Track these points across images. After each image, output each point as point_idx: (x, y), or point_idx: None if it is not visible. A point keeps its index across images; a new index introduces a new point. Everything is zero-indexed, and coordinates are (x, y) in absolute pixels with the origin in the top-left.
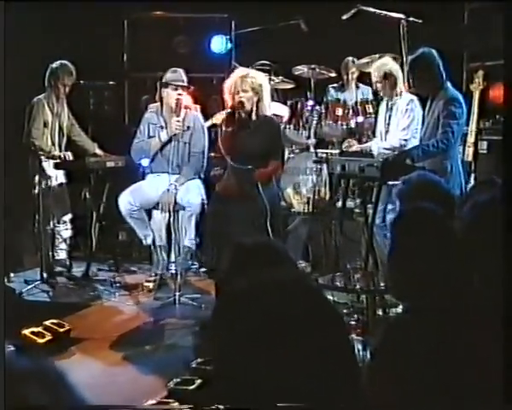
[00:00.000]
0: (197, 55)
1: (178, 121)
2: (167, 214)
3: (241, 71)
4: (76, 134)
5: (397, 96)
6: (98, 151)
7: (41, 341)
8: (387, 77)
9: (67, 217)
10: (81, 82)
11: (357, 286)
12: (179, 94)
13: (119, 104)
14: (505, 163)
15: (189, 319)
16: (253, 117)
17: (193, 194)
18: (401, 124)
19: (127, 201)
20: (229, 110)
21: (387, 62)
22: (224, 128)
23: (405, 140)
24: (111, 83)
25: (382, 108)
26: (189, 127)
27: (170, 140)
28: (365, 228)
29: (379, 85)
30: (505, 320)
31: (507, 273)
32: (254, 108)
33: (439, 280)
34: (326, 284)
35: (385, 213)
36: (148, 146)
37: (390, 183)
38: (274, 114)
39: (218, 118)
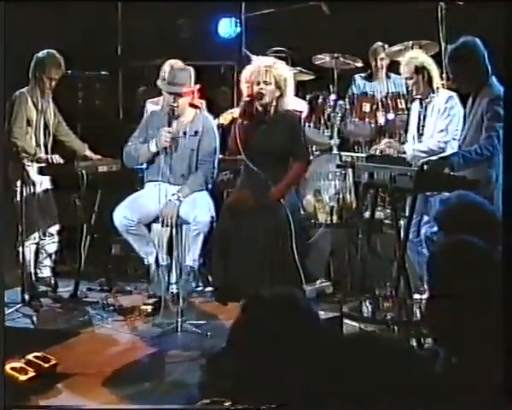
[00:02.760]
0: (202, 39)
1: (169, 133)
2: (169, 229)
3: (265, 60)
4: (63, 134)
5: (433, 93)
6: (89, 153)
7: (23, 378)
8: (419, 72)
9: (54, 228)
10: (68, 72)
11: (388, 317)
12: (173, 102)
13: (112, 98)
14: None
15: (194, 349)
16: (272, 112)
17: (201, 210)
18: (439, 125)
19: (123, 215)
20: (246, 100)
21: (417, 55)
22: (239, 121)
23: (445, 142)
24: (103, 73)
25: (415, 106)
26: (196, 132)
27: (174, 146)
28: (397, 243)
29: (410, 82)
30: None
31: None
32: (274, 103)
33: (484, 328)
34: (351, 314)
35: (419, 226)
36: (136, 153)
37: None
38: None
39: (226, 117)
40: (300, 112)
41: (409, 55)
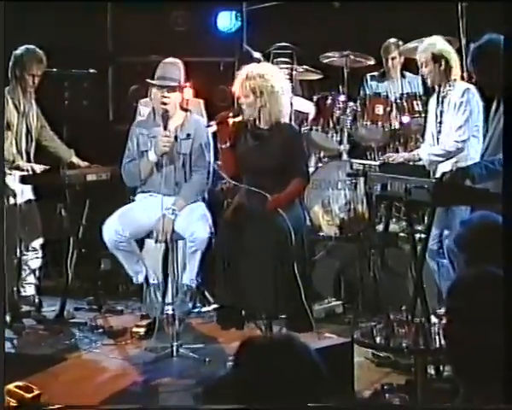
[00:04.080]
0: (200, 34)
1: (167, 136)
2: (163, 245)
3: (244, 70)
4: (47, 138)
5: (449, 85)
6: (76, 160)
7: None
8: (436, 60)
9: (38, 242)
10: (53, 70)
11: (403, 344)
12: (164, 98)
13: (101, 98)
14: None
15: (190, 377)
16: (262, 126)
17: (198, 225)
18: (456, 121)
19: (114, 229)
20: (231, 119)
21: (436, 42)
22: (226, 143)
23: (463, 141)
24: (91, 71)
25: (432, 103)
26: (189, 135)
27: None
28: (413, 259)
29: (426, 70)
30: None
31: None
32: (261, 116)
33: (506, 362)
34: (363, 341)
35: (441, 238)
36: (136, 169)
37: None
38: (297, 111)
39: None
40: (305, 115)
41: (427, 40)
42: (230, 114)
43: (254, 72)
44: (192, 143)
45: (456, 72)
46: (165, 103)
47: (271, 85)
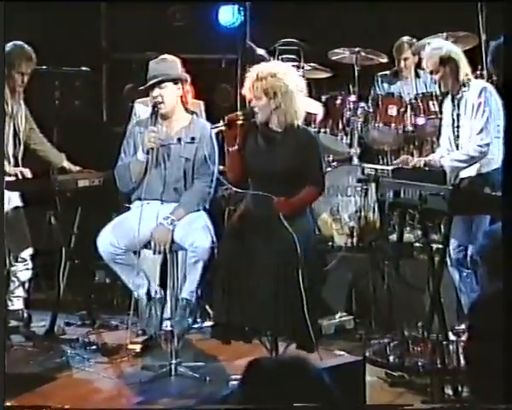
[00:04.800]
0: (200, 29)
1: (154, 132)
2: (161, 256)
3: (254, 71)
4: (37, 141)
5: (464, 86)
6: (67, 165)
7: None
8: (445, 63)
9: (27, 253)
10: (43, 68)
11: (419, 363)
12: (155, 98)
13: (94, 97)
14: None
15: (190, 397)
16: (275, 128)
17: (199, 234)
18: (476, 125)
19: (109, 242)
20: (241, 121)
21: (441, 45)
22: (234, 145)
23: (486, 145)
24: (83, 68)
25: (447, 105)
26: (193, 139)
27: (166, 155)
28: (430, 271)
29: (436, 76)
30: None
31: None
32: (274, 119)
33: None
34: (375, 359)
35: (465, 247)
36: (126, 170)
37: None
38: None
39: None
40: (313, 116)
41: (430, 46)
42: (241, 117)
43: (265, 71)
44: (196, 147)
45: (467, 71)
46: (157, 102)
47: (285, 85)
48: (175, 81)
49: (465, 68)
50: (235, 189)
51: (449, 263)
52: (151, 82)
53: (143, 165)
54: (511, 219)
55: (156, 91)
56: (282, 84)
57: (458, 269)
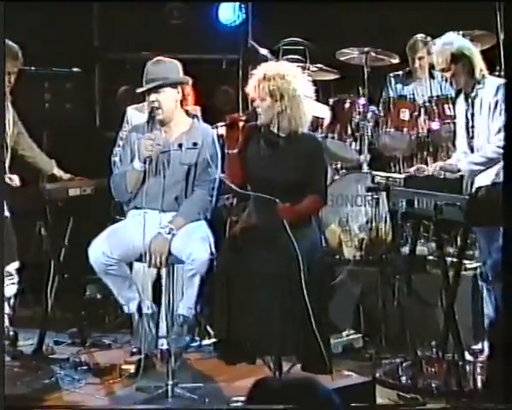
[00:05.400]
0: (199, 27)
1: (151, 139)
2: (155, 269)
3: (261, 69)
4: (25, 147)
5: (478, 83)
6: (57, 172)
7: None
8: (457, 60)
9: (13, 266)
10: (31, 69)
11: (433, 384)
12: (153, 101)
13: (86, 100)
14: None
15: None
16: (279, 133)
17: (197, 246)
18: (493, 125)
19: (101, 251)
20: (243, 122)
21: (452, 40)
22: (235, 148)
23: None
24: (74, 69)
25: (460, 105)
26: (195, 144)
27: (166, 162)
28: (445, 287)
29: (448, 74)
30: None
31: None
32: (278, 123)
33: None
34: (386, 380)
35: (485, 266)
36: (122, 180)
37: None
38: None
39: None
40: (320, 120)
41: (440, 41)
42: (243, 117)
43: (273, 71)
44: (198, 153)
45: (482, 67)
46: (153, 108)
47: (293, 88)
48: (173, 85)
49: (479, 64)
50: (238, 189)
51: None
52: (148, 86)
53: (140, 174)
54: None
55: (153, 96)
56: (290, 87)
57: (483, 282)
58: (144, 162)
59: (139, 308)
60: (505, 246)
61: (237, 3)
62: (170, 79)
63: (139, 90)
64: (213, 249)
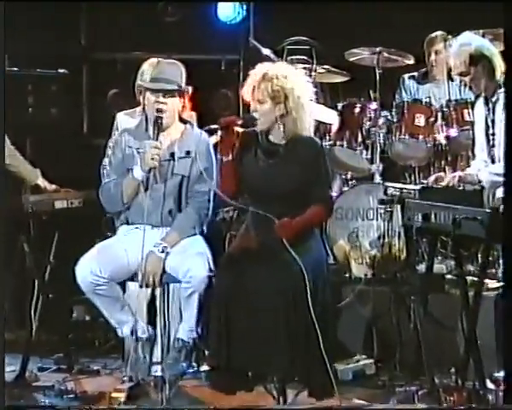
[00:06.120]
0: (195, 25)
1: (157, 147)
2: (150, 289)
3: (259, 70)
4: (7, 155)
5: (500, 87)
6: (42, 183)
7: None
8: (476, 62)
9: None
10: (13, 70)
11: None
12: (160, 103)
13: (73, 104)
14: None
15: None
16: (277, 140)
17: (195, 262)
18: None
19: (90, 270)
20: (239, 128)
21: (469, 40)
22: (229, 154)
23: None
24: (60, 71)
25: (479, 109)
26: (188, 153)
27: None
28: (465, 308)
29: (466, 78)
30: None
31: None
32: (279, 127)
33: None
34: None
35: None
36: (117, 189)
37: None
38: (317, 122)
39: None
40: (328, 126)
41: (457, 42)
42: (238, 122)
43: (274, 72)
44: (192, 162)
45: (502, 68)
46: (160, 110)
47: (298, 89)
48: (182, 93)
49: (501, 66)
50: (229, 200)
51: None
52: (161, 86)
53: (139, 184)
54: None
55: (162, 98)
56: (294, 87)
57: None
58: (148, 172)
59: (133, 332)
60: None
61: (237, 1)
62: (180, 83)
63: (146, 85)
64: (212, 265)
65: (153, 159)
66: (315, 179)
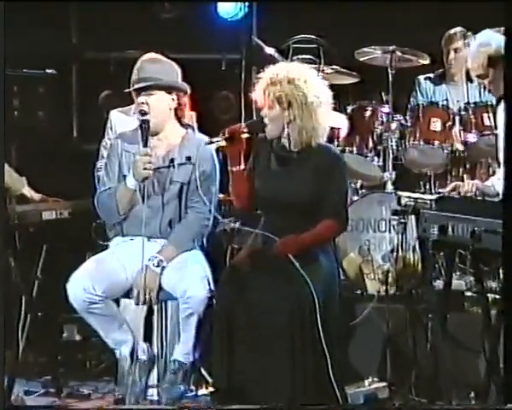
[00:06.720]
0: (194, 22)
1: (148, 155)
2: (145, 307)
3: (268, 73)
4: None
5: None
6: (28, 192)
7: None
8: (495, 63)
9: None
10: None
11: None
12: (141, 105)
13: (62, 107)
14: None
15: None
16: (290, 147)
17: (193, 281)
18: None
19: (82, 287)
20: (246, 134)
21: (489, 40)
22: (239, 165)
23: None
24: (48, 71)
25: (501, 115)
26: (189, 158)
27: (155, 180)
28: (486, 327)
29: (485, 82)
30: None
31: None
32: (289, 134)
33: None
34: None
35: None
36: (112, 200)
37: None
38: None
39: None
40: (336, 131)
41: (476, 42)
42: (245, 129)
43: (281, 75)
44: (192, 169)
45: None
46: (143, 112)
47: (303, 94)
48: (169, 90)
49: None
50: (236, 225)
51: None
52: (138, 85)
53: (134, 194)
54: None
55: (142, 98)
56: (299, 93)
57: None
58: (142, 181)
59: (133, 352)
60: None
61: None
62: (164, 81)
63: (127, 89)
64: (212, 285)
65: (145, 168)
66: (328, 191)
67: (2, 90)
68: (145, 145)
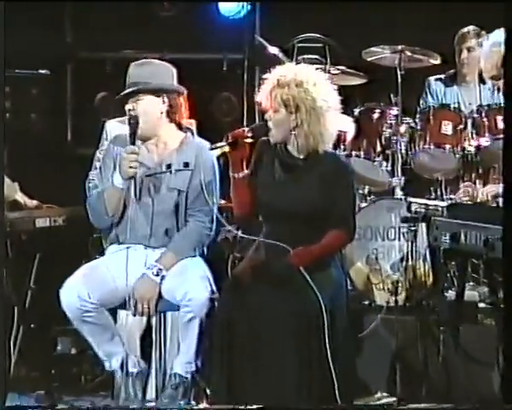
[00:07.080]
0: (195, 20)
1: (134, 153)
2: (144, 318)
3: (274, 74)
4: None
5: None
6: (21, 198)
7: None
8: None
9: None
10: None
11: None
12: (130, 111)
13: (56, 109)
14: None
15: None
16: (296, 153)
17: (194, 283)
18: None
19: (76, 294)
20: (249, 139)
21: (501, 40)
22: (241, 171)
23: None
24: (42, 72)
25: None
26: (187, 164)
27: (152, 187)
28: (500, 340)
29: (499, 83)
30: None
31: None
32: (295, 139)
33: None
34: None
35: None
36: (100, 200)
37: None
38: None
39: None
40: (342, 134)
41: (488, 42)
42: (248, 133)
43: (288, 77)
44: (191, 176)
45: None
46: (131, 117)
47: (312, 98)
48: (156, 93)
49: None
50: (239, 233)
51: None
52: (124, 92)
53: (122, 194)
54: None
55: (129, 104)
56: (308, 96)
57: None
58: (128, 179)
59: (123, 365)
60: None
61: None
62: (154, 84)
63: (118, 97)
64: (214, 287)
65: (131, 167)
66: (336, 200)
67: (2, 90)
68: (132, 143)
